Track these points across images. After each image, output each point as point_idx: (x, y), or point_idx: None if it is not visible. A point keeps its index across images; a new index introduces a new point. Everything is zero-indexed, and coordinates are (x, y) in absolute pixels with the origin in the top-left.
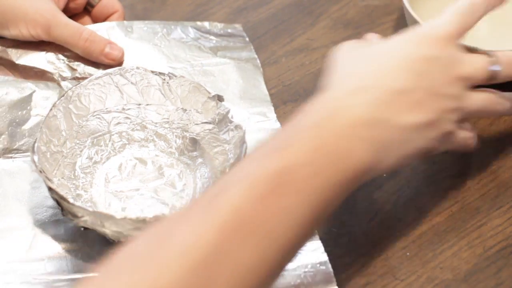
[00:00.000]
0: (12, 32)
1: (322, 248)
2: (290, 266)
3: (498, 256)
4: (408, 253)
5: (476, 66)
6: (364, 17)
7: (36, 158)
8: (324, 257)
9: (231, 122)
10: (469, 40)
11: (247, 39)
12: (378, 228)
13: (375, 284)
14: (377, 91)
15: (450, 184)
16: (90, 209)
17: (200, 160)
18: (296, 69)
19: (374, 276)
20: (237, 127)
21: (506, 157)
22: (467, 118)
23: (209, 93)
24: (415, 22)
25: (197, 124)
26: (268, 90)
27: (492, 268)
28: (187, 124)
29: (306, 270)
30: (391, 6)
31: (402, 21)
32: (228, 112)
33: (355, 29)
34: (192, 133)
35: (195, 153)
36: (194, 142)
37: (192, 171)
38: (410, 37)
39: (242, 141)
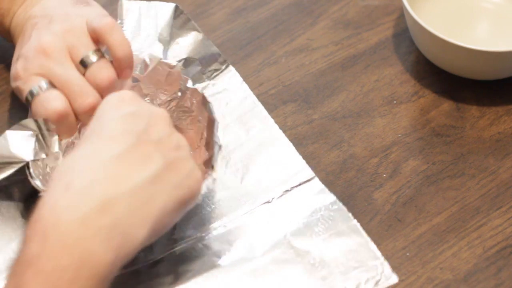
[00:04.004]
0: None
1: (325, 189)
2: (304, 213)
3: (498, 256)
4: (408, 253)
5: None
6: (364, 17)
7: (38, 183)
8: (332, 197)
9: (187, 89)
10: (470, 40)
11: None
12: (378, 228)
13: None
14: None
15: (450, 184)
16: None
17: None
18: (296, 69)
19: None
20: (194, 92)
21: (506, 157)
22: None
23: (171, 64)
24: (415, 22)
25: (162, 104)
26: (268, 90)
27: (492, 268)
28: None
29: (321, 213)
30: (391, 6)
31: (402, 21)
32: (187, 80)
33: (355, 29)
34: None
35: None
36: None
37: None
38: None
39: (204, 102)
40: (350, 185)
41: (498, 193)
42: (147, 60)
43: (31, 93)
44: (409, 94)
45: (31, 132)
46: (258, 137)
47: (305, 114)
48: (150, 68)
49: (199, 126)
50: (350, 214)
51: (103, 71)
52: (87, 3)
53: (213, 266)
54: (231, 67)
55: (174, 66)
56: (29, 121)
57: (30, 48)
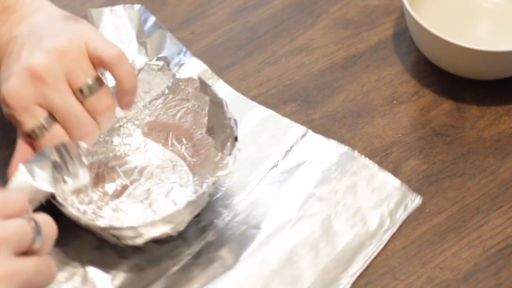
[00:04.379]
0: None
1: (322, 137)
2: (315, 164)
3: (498, 256)
4: (408, 253)
5: (12, 230)
6: (364, 17)
7: (72, 210)
8: (333, 142)
9: (179, 80)
10: (470, 40)
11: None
12: None
13: (375, 284)
14: None
15: (450, 184)
16: (159, 217)
17: (171, 134)
18: (296, 69)
19: (374, 276)
20: (188, 80)
21: (506, 157)
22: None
23: (158, 64)
24: (415, 22)
25: (146, 107)
26: (268, 90)
27: (492, 268)
28: (137, 112)
29: (330, 160)
30: (391, 6)
31: (402, 21)
32: (174, 75)
33: (355, 29)
34: (144, 118)
35: (161, 132)
36: (154, 124)
37: (169, 146)
38: None
39: (203, 87)
40: None
41: (498, 193)
42: (135, 65)
43: (34, 133)
44: (409, 94)
45: (46, 161)
46: (234, 110)
47: (305, 114)
48: (138, 73)
49: (196, 115)
50: (356, 152)
51: (103, 101)
52: (77, 20)
53: (256, 238)
54: (194, 58)
55: (160, 67)
56: (44, 150)
57: (22, 68)
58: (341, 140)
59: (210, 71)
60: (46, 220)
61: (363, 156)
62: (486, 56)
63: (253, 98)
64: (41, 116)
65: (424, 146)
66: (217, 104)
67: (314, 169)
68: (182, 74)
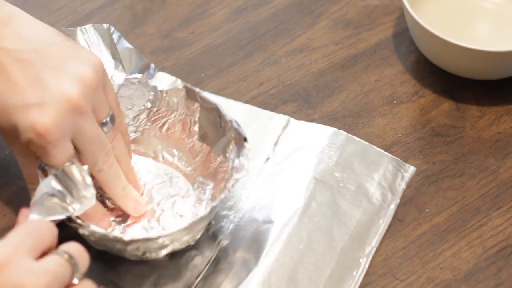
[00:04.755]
0: None
1: (305, 122)
2: (306, 151)
3: (498, 256)
4: (408, 253)
5: (54, 273)
6: (364, 17)
7: (95, 227)
8: (319, 126)
9: (162, 92)
10: (470, 40)
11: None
12: None
13: (375, 284)
14: None
15: (450, 184)
16: (183, 225)
17: (160, 147)
18: (296, 69)
19: (374, 276)
20: (172, 91)
21: (506, 157)
22: None
23: (136, 78)
24: (415, 22)
25: (130, 123)
26: (268, 90)
27: (492, 268)
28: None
29: (318, 141)
30: (391, 6)
31: (402, 21)
32: (155, 88)
33: (355, 29)
34: (130, 135)
35: (149, 147)
36: (141, 139)
37: (161, 159)
38: None
39: (191, 94)
40: None
41: (498, 193)
42: (114, 81)
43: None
44: (409, 94)
45: (51, 193)
46: None
47: (306, 114)
48: (117, 88)
49: (184, 124)
50: (343, 132)
51: (122, 132)
52: (73, 40)
53: (270, 232)
54: (160, 73)
55: (139, 79)
56: (48, 182)
57: (60, 99)
58: None
59: (179, 81)
60: (79, 251)
61: (350, 134)
62: (486, 56)
63: (253, 98)
64: (69, 152)
65: (424, 146)
66: (209, 109)
67: (308, 154)
68: (163, 85)
